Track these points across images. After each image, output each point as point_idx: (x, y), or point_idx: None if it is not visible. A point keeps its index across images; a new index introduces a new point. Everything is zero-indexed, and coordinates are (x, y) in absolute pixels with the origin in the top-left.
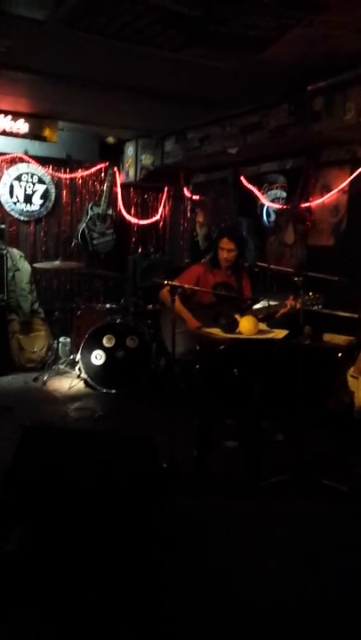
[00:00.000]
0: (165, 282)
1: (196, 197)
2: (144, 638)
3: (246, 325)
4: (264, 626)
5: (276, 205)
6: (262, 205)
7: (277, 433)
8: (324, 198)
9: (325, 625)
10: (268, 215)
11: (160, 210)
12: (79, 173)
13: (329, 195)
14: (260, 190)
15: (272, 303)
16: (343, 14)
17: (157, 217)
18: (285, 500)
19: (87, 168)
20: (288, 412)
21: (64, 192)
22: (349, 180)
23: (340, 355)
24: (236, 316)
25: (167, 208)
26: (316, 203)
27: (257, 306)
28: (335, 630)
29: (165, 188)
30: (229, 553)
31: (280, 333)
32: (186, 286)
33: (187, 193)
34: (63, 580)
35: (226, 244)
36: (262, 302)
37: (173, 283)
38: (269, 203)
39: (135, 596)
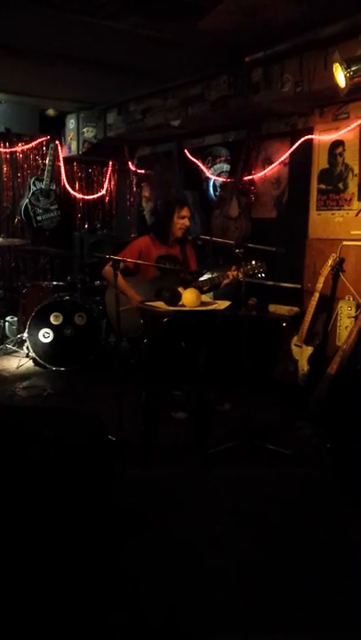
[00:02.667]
0: (107, 256)
1: (141, 171)
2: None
3: (189, 297)
4: (219, 590)
5: (221, 179)
6: (208, 179)
7: (224, 402)
8: (265, 171)
9: (273, 585)
10: (215, 189)
11: (105, 184)
12: (19, 147)
13: (270, 167)
14: (204, 164)
15: (215, 275)
16: None
17: (103, 192)
18: (232, 466)
19: (28, 142)
20: (234, 381)
21: (4, 167)
22: (290, 152)
23: (284, 325)
24: (179, 289)
25: (113, 182)
26: (258, 175)
27: (202, 278)
28: (283, 590)
29: (110, 162)
30: (180, 520)
31: (222, 304)
32: (128, 260)
33: (132, 167)
34: (9, 563)
35: (186, 212)
36: (206, 274)
37: (115, 257)
38: (214, 176)
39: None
